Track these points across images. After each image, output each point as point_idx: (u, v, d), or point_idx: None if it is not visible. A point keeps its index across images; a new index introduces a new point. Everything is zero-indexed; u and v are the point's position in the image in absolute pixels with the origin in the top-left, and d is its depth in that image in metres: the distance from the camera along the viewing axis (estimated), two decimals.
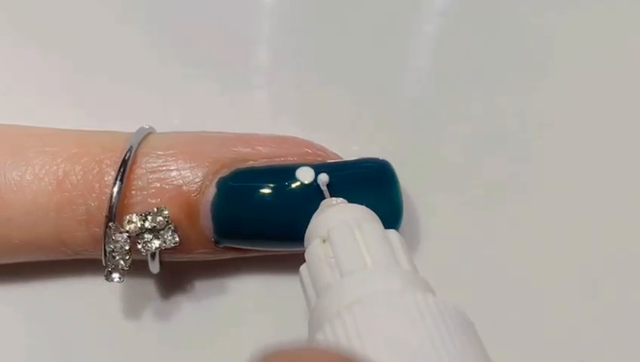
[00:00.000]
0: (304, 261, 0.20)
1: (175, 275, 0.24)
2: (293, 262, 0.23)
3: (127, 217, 0.20)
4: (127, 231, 0.20)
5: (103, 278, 0.23)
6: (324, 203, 0.21)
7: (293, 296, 0.24)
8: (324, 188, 0.21)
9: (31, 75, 0.26)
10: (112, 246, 0.20)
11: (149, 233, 0.20)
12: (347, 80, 0.26)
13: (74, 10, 0.27)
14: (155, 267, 0.22)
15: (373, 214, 0.19)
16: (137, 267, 0.23)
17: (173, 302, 0.24)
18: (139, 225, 0.20)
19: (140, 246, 0.20)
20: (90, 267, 0.24)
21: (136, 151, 0.21)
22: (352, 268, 0.17)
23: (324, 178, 0.21)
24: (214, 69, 0.26)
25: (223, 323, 0.24)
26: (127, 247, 0.20)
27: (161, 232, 0.20)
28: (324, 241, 0.18)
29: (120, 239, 0.20)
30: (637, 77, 0.27)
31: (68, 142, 0.22)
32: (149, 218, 0.20)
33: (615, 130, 0.26)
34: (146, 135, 0.22)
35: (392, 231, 0.19)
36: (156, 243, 0.20)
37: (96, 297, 0.24)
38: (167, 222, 0.20)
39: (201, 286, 0.24)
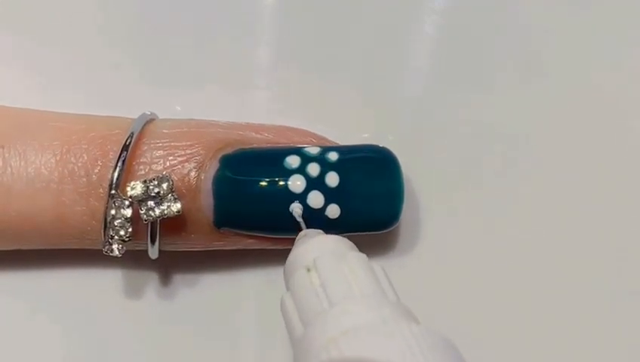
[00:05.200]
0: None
1: (175, 269, 0.25)
2: None
3: (131, 183, 0.22)
4: (130, 197, 0.21)
5: (101, 272, 0.25)
6: (302, 234, 0.22)
7: None
8: (299, 219, 0.23)
9: (33, 66, 0.27)
10: (113, 212, 0.21)
11: (152, 200, 0.21)
12: (347, 80, 0.28)
13: (79, 7, 0.28)
14: (154, 252, 0.23)
15: (353, 245, 0.21)
16: (136, 262, 0.25)
17: (174, 296, 0.25)
18: (141, 191, 0.21)
19: (142, 213, 0.22)
20: (89, 263, 0.25)
21: (143, 127, 0.23)
22: (341, 297, 0.19)
23: (298, 210, 0.23)
24: (214, 69, 0.28)
25: (222, 319, 0.25)
26: (128, 214, 0.21)
27: (164, 200, 0.22)
28: (308, 271, 0.20)
29: (122, 205, 0.21)
30: (638, 77, 0.28)
31: (75, 120, 0.24)
32: (153, 183, 0.22)
33: (616, 129, 0.28)
34: (151, 119, 0.24)
35: (374, 262, 0.20)
36: (158, 210, 0.21)
37: (96, 290, 0.25)
38: (171, 189, 0.22)
39: (201, 280, 0.26)
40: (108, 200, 0.22)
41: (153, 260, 0.24)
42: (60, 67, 0.27)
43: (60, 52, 0.28)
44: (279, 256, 0.25)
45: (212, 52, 0.28)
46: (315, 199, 0.23)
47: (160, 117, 0.25)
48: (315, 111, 0.27)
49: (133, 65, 0.28)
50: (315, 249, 0.20)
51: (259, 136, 0.24)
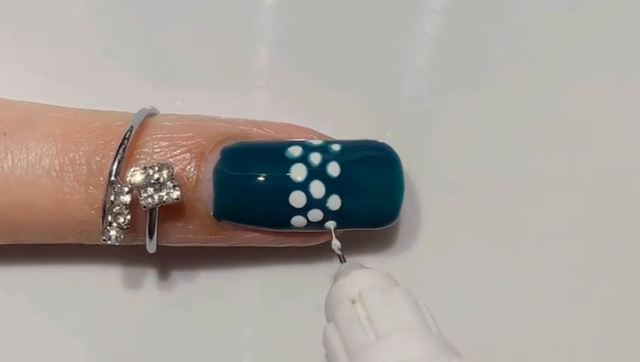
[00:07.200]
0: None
1: (174, 266, 0.26)
2: (293, 256, 0.25)
3: (131, 170, 0.22)
4: (130, 184, 0.22)
5: (100, 269, 0.25)
6: (343, 266, 0.23)
7: (293, 290, 0.25)
8: (339, 252, 0.24)
9: (33, 66, 0.28)
10: (112, 198, 0.22)
11: (152, 187, 0.22)
12: (347, 79, 0.29)
13: (79, 6, 0.29)
14: (152, 245, 0.23)
15: (396, 279, 0.22)
16: (136, 259, 0.25)
17: (173, 293, 0.26)
18: (141, 178, 0.22)
19: (141, 199, 0.22)
20: (88, 260, 0.25)
21: (145, 120, 0.24)
22: (388, 331, 0.19)
23: (338, 244, 0.24)
24: (214, 69, 0.28)
25: (222, 317, 0.26)
26: (127, 201, 0.22)
27: (163, 187, 0.22)
28: (353, 303, 0.20)
29: (121, 192, 0.22)
30: (637, 76, 0.29)
31: (77, 112, 0.24)
32: (153, 169, 0.22)
33: (616, 129, 0.28)
34: (153, 114, 0.25)
35: (418, 298, 0.21)
36: (157, 197, 0.22)
37: (95, 287, 0.26)
38: (171, 176, 0.22)
39: (200, 278, 0.26)
40: (107, 187, 0.22)
41: (152, 258, 0.24)
42: (60, 66, 0.28)
43: (60, 51, 0.28)
44: (279, 255, 0.25)
45: (212, 52, 0.28)
46: (317, 188, 0.23)
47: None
48: (315, 111, 0.27)
49: (133, 64, 0.28)
50: (360, 281, 0.21)
51: (261, 131, 0.25)
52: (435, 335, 0.19)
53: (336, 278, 0.22)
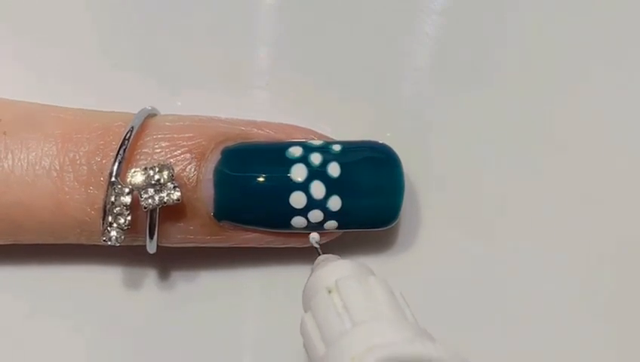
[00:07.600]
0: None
1: (175, 267, 0.26)
2: (293, 256, 0.25)
3: (132, 171, 0.22)
4: (131, 185, 0.22)
5: (100, 269, 0.25)
6: (321, 258, 0.23)
7: (293, 290, 0.25)
8: (316, 246, 0.24)
9: (33, 66, 0.28)
10: (113, 199, 0.22)
11: (152, 188, 0.22)
12: (347, 79, 0.29)
13: (79, 6, 0.29)
14: (152, 246, 0.23)
15: (372, 269, 0.22)
16: (136, 260, 0.25)
17: (173, 293, 0.26)
18: (141, 179, 0.22)
19: (141, 200, 0.22)
20: (88, 260, 0.25)
21: (145, 120, 0.24)
22: (363, 319, 0.19)
23: (316, 237, 0.24)
24: (214, 69, 0.28)
25: (222, 317, 0.26)
26: (128, 202, 0.22)
27: (164, 188, 0.22)
28: (330, 292, 0.20)
29: (121, 192, 0.22)
30: (637, 76, 0.29)
31: (78, 112, 0.24)
32: (154, 170, 0.22)
33: (617, 130, 0.28)
34: (153, 114, 0.25)
35: (394, 287, 0.21)
36: (157, 198, 0.22)
37: (95, 288, 0.26)
38: (171, 177, 0.22)
39: (201, 279, 0.26)
40: (108, 188, 0.22)
41: (152, 258, 0.24)
42: (60, 66, 0.28)
43: (60, 51, 0.28)
44: (279, 255, 0.25)
45: (212, 52, 0.28)
46: (317, 189, 0.23)
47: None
48: (315, 111, 0.28)
49: (133, 64, 0.28)
50: (336, 271, 0.21)
51: (261, 132, 0.25)
52: (410, 323, 0.19)
53: (313, 270, 0.22)
